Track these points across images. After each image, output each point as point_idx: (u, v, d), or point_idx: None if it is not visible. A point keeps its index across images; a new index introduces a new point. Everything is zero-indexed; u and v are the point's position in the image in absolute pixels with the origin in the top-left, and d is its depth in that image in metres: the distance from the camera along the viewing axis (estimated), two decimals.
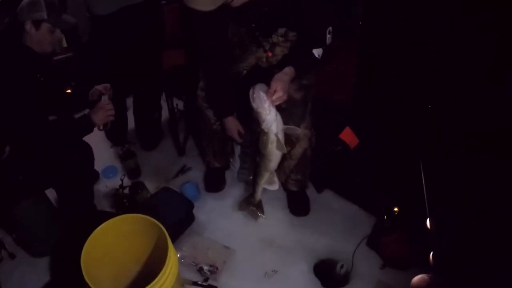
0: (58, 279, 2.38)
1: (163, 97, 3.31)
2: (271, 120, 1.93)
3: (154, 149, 3.39)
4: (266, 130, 1.96)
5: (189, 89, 2.92)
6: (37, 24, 2.08)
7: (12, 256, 2.51)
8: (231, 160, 3.04)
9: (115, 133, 3.33)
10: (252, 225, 2.67)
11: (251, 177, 2.41)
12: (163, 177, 3.09)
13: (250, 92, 1.94)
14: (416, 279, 0.54)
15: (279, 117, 1.96)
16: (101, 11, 2.66)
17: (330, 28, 2.11)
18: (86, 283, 1.64)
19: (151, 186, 2.93)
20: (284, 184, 2.81)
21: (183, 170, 3.14)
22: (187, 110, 3.45)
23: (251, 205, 2.52)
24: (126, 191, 2.74)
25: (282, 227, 2.67)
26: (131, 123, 3.40)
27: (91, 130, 2.29)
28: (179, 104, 3.43)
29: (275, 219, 2.72)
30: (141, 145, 3.41)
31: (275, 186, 2.29)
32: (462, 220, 0.51)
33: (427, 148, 0.56)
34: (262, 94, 1.91)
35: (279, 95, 1.95)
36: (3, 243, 2.51)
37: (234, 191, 2.96)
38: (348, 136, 2.72)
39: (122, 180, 2.77)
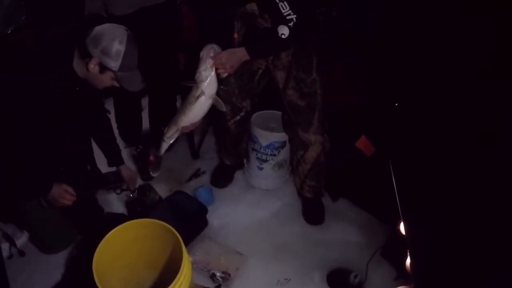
0: (68, 280, 2.37)
1: (179, 99, 3.29)
2: (205, 75, 2.00)
3: (168, 151, 3.37)
4: (197, 82, 2.02)
5: None
6: (102, 67, 1.90)
7: (21, 253, 2.50)
8: (246, 165, 3.03)
9: (130, 134, 3.32)
10: (266, 231, 2.65)
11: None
12: (177, 180, 3.07)
13: (206, 46, 2.02)
14: None
15: (214, 81, 2.02)
16: (118, 12, 2.64)
17: (285, 3, 1.96)
18: (96, 286, 1.63)
19: (164, 189, 2.92)
20: (299, 191, 2.80)
21: (197, 174, 3.12)
22: None
23: (152, 159, 2.45)
24: (135, 194, 2.72)
25: (296, 234, 2.65)
26: (145, 124, 3.39)
27: (42, 195, 2.13)
28: None
29: (289, 226, 2.70)
30: (155, 146, 3.39)
31: (171, 140, 2.29)
32: (436, 225, 0.49)
33: (398, 149, 0.54)
34: (211, 51, 2.00)
35: (222, 61, 2.02)
36: (13, 240, 2.50)
37: (248, 197, 2.94)
38: (364, 144, 2.69)
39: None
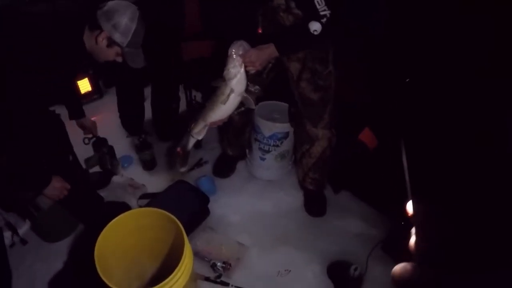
0: (70, 269, 2.37)
1: (181, 88, 3.29)
2: (233, 73, 1.98)
3: (170, 140, 3.38)
4: (225, 79, 2.01)
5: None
6: (111, 41, 1.93)
7: (23, 242, 2.51)
8: (248, 155, 3.03)
9: (132, 123, 3.32)
10: (268, 222, 2.66)
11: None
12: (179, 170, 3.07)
13: (233, 43, 2.00)
14: (398, 268, 0.50)
15: (243, 79, 2.01)
16: None
17: None
18: (98, 274, 1.63)
19: (166, 178, 2.93)
20: (301, 183, 2.80)
21: (199, 164, 3.12)
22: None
23: (180, 153, 2.39)
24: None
25: (297, 226, 2.65)
26: (148, 114, 3.38)
27: (39, 188, 2.07)
28: (197, 96, 3.41)
29: (290, 217, 2.71)
30: (157, 135, 3.39)
31: (199, 137, 2.22)
32: (447, 205, 0.47)
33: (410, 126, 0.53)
34: (240, 48, 1.99)
35: (252, 59, 2.01)
36: (15, 228, 2.51)
37: (250, 187, 2.94)
38: (367, 137, 2.68)
39: None
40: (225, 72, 2.00)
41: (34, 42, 1.78)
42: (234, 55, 1.98)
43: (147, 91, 3.31)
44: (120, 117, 3.31)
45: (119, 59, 2.04)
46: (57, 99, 2.50)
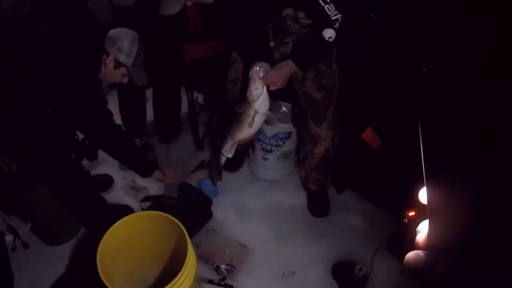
0: (72, 272, 2.37)
1: (183, 90, 3.28)
2: (256, 95, 2.05)
3: (172, 142, 3.36)
4: (249, 101, 2.08)
5: (215, 80, 2.93)
6: (117, 63, 2.12)
7: (26, 245, 2.50)
8: (251, 155, 3.01)
9: (134, 125, 3.31)
10: (271, 224, 2.64)
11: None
12: (181, 172, 3.05)
13: (253, 65, 2.07)
14: (412, 256, 0.48)
15: (266, 100, 2.08)
16: (121, 3, 2.64)
17: (331, 4, 1.94)
18: (100, 278, 1.62)
19: None
20: (304, 183, 2.79)
21: (201, 166, 3.11)
22: (212, 98, 3.45)
23: (212, 169, 2.59)
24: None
25: (301, 227, 2.64)
26: (150, 115, 3.37)
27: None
28: (199, 97, 3.40)
29: (293, 218, 2.70)
30: (159, 137, 3.39)
31: (229, 155, 2.34)
32: (466, 193, 0.45)
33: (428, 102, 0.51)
34: (261, 70, 2.06)
35: (273, 80, 2.09)
36: (17, 232, 2.50)
37: (253, 188, 2.93)
38: (370, 136, 2.67)
39: None
40: (248, 94, 2.08)
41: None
42: (256, 78, 2.06)
43: (149, 93, 3.30)
44: (122, 119, 3.30)
45: (125, 80, 2.24)
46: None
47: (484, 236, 0.43)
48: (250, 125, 2.13)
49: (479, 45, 0.50)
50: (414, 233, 0.51)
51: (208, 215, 2.64)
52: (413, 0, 2.36)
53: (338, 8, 1.92)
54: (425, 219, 0.49)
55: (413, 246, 0.50)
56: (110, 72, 2.15)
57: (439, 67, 0.54)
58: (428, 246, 0.48)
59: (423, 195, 0.50)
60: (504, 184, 0.43)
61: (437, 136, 0.48)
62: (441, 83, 0.52)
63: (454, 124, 0.48)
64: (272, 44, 2.30)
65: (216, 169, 2.53)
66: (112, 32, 2.12)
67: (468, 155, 0.46)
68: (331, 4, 1.92)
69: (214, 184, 2.63)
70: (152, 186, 2.90)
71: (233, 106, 2.21)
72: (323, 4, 1.92)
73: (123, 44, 2.10)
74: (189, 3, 2.11)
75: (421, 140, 0.49)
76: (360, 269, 2.24)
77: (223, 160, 2.39)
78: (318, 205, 2.75)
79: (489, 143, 0.45)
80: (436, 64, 0.54)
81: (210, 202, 2.63)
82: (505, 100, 0.45)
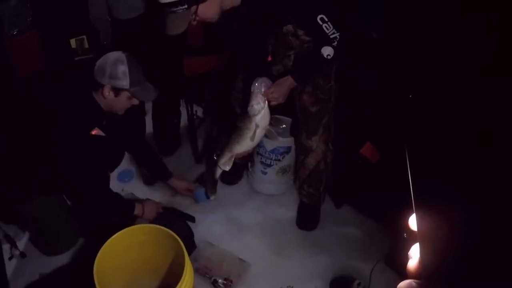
0: (68, 283, 2.36)
1: (182, 104, 3.29)
2: (257, 109, 2.08)
3: (171, 155, 3.36)
4: (250, 115, 2.10)
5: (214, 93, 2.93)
6: (116, 90, 2.08)
7: (23, 255, 2.50)
8: (250, 169, 3.01)
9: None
10: (269, 238, 2.63)
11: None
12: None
13: (255, 80, 2.09)
14: (404, 286, 0.48)
15: (267, 114, 2.10)
16: (122, 16, 2.66)
17: (323, 16, 1.94)
18: None
19: (166, 193, 2.91)
20: (298, 194, 2.79)
21: (201, 179, 3.09)
22: (212, 112, 3.45)
23: (207, 182, 2.57)
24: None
25: (299, 242, 2.63)
26: (149, 128, 3.38)
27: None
28: (198, 110, 3.41)
29: (292, 233, 2.69)
30: (158, 150, 3.38)
31: (227, 168, 2.33)
32: (454, 220, 0.45)
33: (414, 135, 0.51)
34: (262, 85, 2.08)
35: (274, 95, 2.11)
36: (15, 241, 2.50)
37: (252, 202, 2.92)
38: (369, 151, 2.67)
39: None
40: (249, 109, 2.10)
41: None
42: (257, 92, 2.08)
43: (148, 106, 3.30)
44: None
45: (135, 102, 2.19)
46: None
47: (475, 262, 0.43)
48: (252, 139, 2.14)
49: (475, 57, 0.50)
50: (408, 257, 0.51)
51: (192, 247, 2.48)
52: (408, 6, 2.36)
53: (336, 27, 1.94)
54: (416, 242, 0.49)
55: (405, 273, 0.51)
56: (113, 101, 2.12)
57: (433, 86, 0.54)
58: (420, 273, 0.48)
59: (412, 222, 0.50)
60: (494, 209, 0.43)
61: (423, 161, 0.49)
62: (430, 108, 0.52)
63: (441, 147, 0.48)
64: (269, 59, 2.33)
65: (210, 182, 2.51)
66: (98, 62, 2.09)
67: (456, 179, 0.46)
68: (329, 23, 1.94)
69: (208, 197, 2.61)
70: (151, 199, 2.88)
71: (238, 115, 2.23)
72: (321, 23, 1.94)
73: (112, 69, 2.04)
74: (194, 23, 2.10)
75: (408, 167, 0.49)
76: (359, 284, 2.23)
77: (218, 173, 2.37)
78: (305, 218, 2.75)
79: (477, 164, 0.45)
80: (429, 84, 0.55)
81: (191, 234, 2.49)
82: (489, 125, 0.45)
